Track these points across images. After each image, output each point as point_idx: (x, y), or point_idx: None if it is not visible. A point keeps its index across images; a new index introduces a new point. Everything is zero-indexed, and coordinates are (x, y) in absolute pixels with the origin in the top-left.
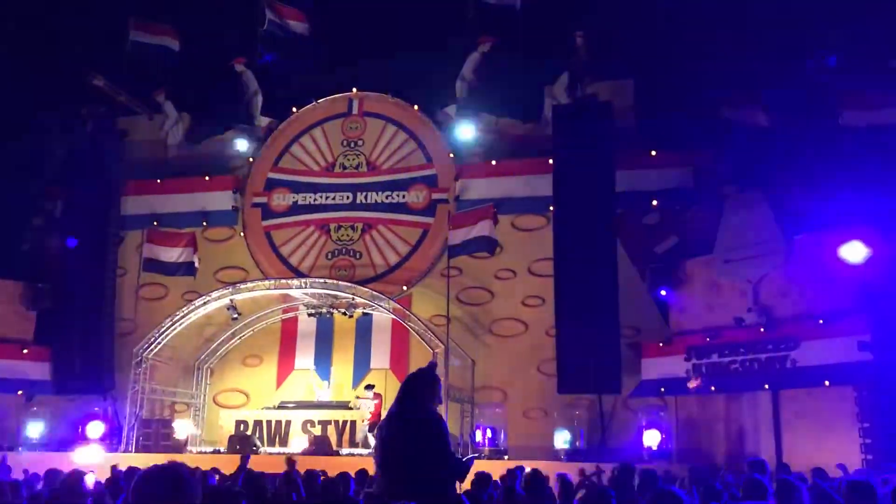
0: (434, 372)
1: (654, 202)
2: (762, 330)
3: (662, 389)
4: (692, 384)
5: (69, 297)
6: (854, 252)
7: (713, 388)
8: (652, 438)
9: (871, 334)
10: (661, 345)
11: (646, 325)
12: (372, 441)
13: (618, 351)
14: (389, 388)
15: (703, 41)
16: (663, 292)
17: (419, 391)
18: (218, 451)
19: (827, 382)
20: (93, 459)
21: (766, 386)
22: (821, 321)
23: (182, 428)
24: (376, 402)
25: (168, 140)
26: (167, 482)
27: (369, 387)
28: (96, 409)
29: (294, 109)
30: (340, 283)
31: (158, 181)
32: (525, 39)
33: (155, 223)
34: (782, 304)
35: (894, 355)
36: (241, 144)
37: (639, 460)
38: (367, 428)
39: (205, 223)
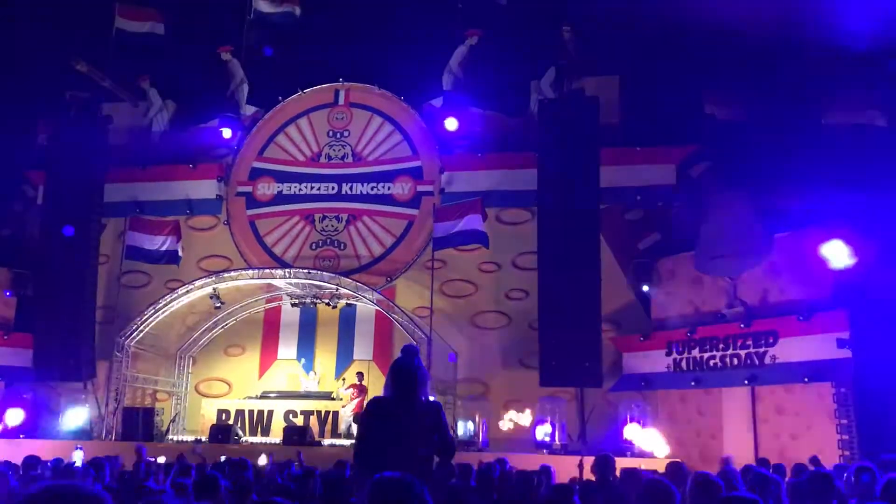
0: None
1: (638, 198)
2: (742, 326)
3: (644, 384)
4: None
5: (50, 283)
6: (837, 254)
7: (693, 384)
8: (633, 433)
9: (850, 331)
10: (641, 339)
11: (627, 320)
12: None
13: (599, 345)
14: (373, 379)
15: (689, 38)
16: (645, 287)
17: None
18: (199, 441)
19: (806, 379)
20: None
21: (746, 381)
22: (800, 318)
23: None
24: (363, 395)
25: (152, 127)
26: None
27: (360, 374)
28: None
29: (280, 99)
30: (324, 273)
31: (142, 168)
32: (512, 33)
33: (138, 211)
34: (762, 301)
35: (873, 352)
36: (227, 133)
37: (619, 454)
38: (351, 419)
39: (189, 211)
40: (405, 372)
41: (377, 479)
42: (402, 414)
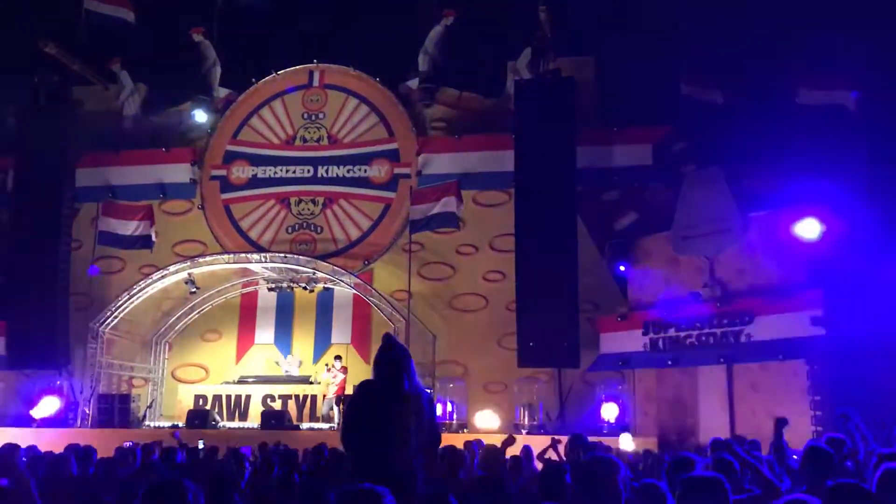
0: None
1: (615, 178)
2: (718, 305)
3: (621, 363)
4: None
5: (23, 270)
6: (808, 229)
7: (669, 363)
8: (610, 412)
9: (823, 309)
10: (618, 319)
11: (604, 300)
12: (337, 415)
13: (577, 325)
14: (351, 362)
15: (664, 19)
16: (622, 268)
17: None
18: (176, 426)
19: (780, 356)
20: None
21: (721, 360)
22: (775, 297)
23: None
24: (343, 375)
25: (124, 111)
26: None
27: (338, 357)
28: (59, 382)
29: (253, 81)
30: (301, 257)
31: (114, 153)
32: (488, 13)
33: (111, 195)
34: (738, 280)
35: (846, 330)
36: (200, 116)
37: (597, 433)
38: (333, 401)
39: (162, 196)
40: (392, 355)
41: (343, 491)
42: (391, 398)
